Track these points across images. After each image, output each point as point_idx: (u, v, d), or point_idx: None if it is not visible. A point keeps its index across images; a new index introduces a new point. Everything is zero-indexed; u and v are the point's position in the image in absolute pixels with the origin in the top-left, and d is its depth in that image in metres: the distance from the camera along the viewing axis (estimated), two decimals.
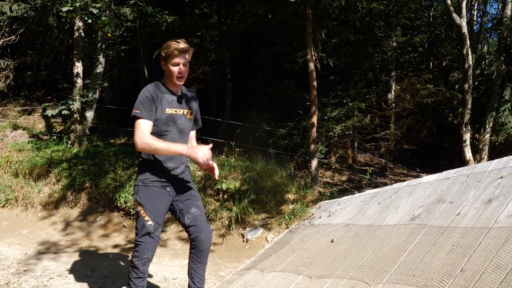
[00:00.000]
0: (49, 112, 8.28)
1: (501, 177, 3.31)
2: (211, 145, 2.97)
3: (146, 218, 3.04)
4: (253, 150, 8.49)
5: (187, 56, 3.02)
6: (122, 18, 9.08)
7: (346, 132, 9.87)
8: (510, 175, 3.27)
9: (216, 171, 3.09)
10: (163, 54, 3.02)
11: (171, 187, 3.16)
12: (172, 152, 2.95)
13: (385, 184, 9.03)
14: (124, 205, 6.46)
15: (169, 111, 3.07)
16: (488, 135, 10.38)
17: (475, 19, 15.88)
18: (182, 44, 2.97)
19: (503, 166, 3.46)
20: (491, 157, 10.09)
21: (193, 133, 3.42)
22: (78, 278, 4.37)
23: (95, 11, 7.55)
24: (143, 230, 3.05)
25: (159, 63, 13.25)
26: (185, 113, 3.18)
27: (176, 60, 2.97)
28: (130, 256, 3.15)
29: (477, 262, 2.62)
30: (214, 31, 11.20)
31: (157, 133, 3.03)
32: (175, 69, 2.99)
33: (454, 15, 9.92)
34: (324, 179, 9.77)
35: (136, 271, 3.09)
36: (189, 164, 3.53)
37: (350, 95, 10.20)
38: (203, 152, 2.89)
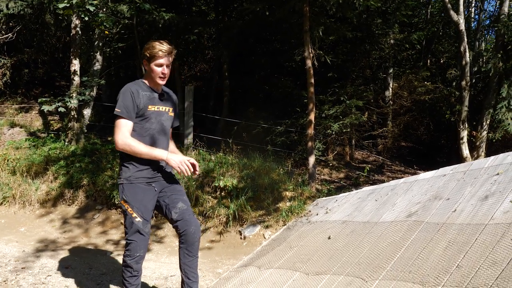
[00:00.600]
0: (45, 108, 8.25)
1: (497, 174, 3.33)
2: (194, 161, 3.07)
3: (134, 215, 3.05)
4: (251, 147, 8.50)
5: (170, 58, 3.09)
6: (119, 15, 9.06)
7: (344, 130, 9.87)
8: (506, 172, 3.28)
9: (190, 171, 3.10)
10: (147, 55, 3.07)
11: (156, 183, 3.17)
12: (153, 156, 3.01)
13: (383, 181, 9.04)
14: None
15: (151, 108, 3.12)
16: (485, 132, 10.39)
17: (472, 16, 15.89)
18: (166, 46, 3.04)
19: (500, 163, 3.48)
20: (488, 154, 10.11)
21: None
22: (76, 275, 4.38)
23: (91, 8, 7.53)
24: (132, 227, 3.07)
25: None
26: (166, 110, 3.25)
27: (160, 61, 3.04)
28: (122, 256, 3.15)
29: (473, 259, 2.63)
30: (211, 29, 11.19)
31: (140, 130, 3.09)
32: (158, 69, 3.06)
33: (452, 12, 9.91)
34: (322, 176, 9.78)
35: (130, 270, 3.10)
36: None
37: (347, 92, 10.20)
38: (182, 163, 2.99)
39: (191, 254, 3.22)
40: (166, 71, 3.10)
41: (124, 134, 2.99)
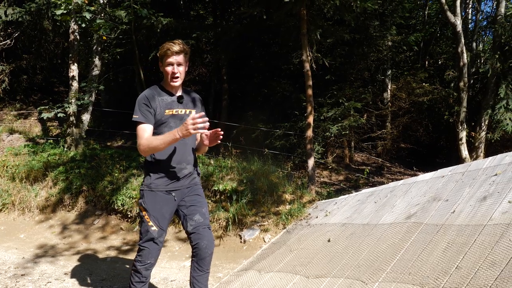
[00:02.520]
0: (45, 115, 8.27)
1: (496, 175, 3.33)
2: (202, 114, 2.73)
3: (150, 223, 3.01)
4: (250, 151, 8.51)
5: (182, 56, 2.98)
6: (117, 21, 9.08)
7: (343, 132, 9.88)
8: (504, 172, 3.29)
9: (214, 135, 3.01)
10: (158, 55, 3.02)
11: (177, 192, 3.10)
12: (168, 141, 2.82)
13: (382, 183, 9.04)
14: (122, 208, 6.45)
15: (169, 112, 3.02)
16: (484, 132, 10.41)
17: (469, 17, 15.92)
18: (176, 45, 2.93)
19: (498, 163, 3.48)
20: (487, 155, 10.12)
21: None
22: (76, 282, 4.37)
23: (88, 15, 7.56)
24: (147, 235, 3.03)
25: (155, 65, 13.27)
26: (187, 112, 3.12)
27: (169, 60, 2.94)
28: (133, 260, 3.13)
29: (472, 259, 2.63)
30: (209, 33, 11.19)
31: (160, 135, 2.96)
32: (168, 69, 2.96)
33: (449, 13, 9.95)
34: (321, 179, 9.78)
35: (138, 275, 3.08)
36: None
37: (346, 94, 10.22)
38: (190, 123, 2.68)
39: (201, 268, 3.13)
40: (177, 70, 2.97)
41: (142, 138, 2.91)
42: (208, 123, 2.71)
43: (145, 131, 2.94)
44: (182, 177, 3.11)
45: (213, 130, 3.03)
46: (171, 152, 3.03)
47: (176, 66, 2.97)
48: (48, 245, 5.85)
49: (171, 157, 3.04)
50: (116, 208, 6.50)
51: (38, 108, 8.54)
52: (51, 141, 9.23)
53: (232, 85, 12.05)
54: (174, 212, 3.17)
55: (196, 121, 2.66)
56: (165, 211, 3.06)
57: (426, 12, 15.53)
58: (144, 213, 3.04)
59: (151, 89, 3.07)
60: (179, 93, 3.13)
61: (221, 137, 3.04)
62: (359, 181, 9.56)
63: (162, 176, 3.04)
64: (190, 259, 3.21)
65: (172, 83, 3.02)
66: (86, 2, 7.79)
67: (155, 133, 2.98)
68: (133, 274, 3.10)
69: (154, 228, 3.02)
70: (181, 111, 3.09)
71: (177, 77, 3.00)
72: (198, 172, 3.32)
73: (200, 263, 3.12)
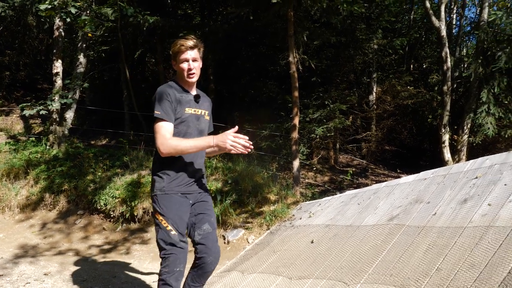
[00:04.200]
0: (27, 112, 8.16)
1: (476, 178, 3.38)
2: (236, 128, 2.71)
3: (169, 227, 2.75)
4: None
5: (196, 51, 2.86)
6: (103, 18, 9.01)
7: (328, 134, 9.93)
8: (484, 175, 3.34)
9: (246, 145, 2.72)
10: (171, 53, 2.89)
11: (191, 195, 2.92)
12: (200, 147, 2.72)
13: (366, 185, 9.12)
14: (104, 208, 6.40)
15: (189, 110, 2.88)
16: (466, 136, 10.54)
17: (454, 22, 16.14)
18: (190, 41, 2.82)
19: (478, 166, 3.54)
20: (469, 158, 10.25)
21: None
22: (56, 282, 4.32)
23: (73, 10, 7.47)
24: (168, 241, 2.75)
25: (141, 64, 13.16)
26: (203, 113, 3.00)
27: (184, 56, 2.81)
28: (158, 275, 2.80)
29: (452, 261, 2.67)
30: (197, 32, 11.14)
31: (176, 134, 2.81)
32: (184, 66, 2.82)
33: (433, 18, 10.07)
34: (306, 180, 9.82)
35: None
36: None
37: (331, 96, 10.28)
38: (231, 139, 2.62)
39: (200, 281, 2.95)
40: (193, 66, 2.84)
41: (165, 137, 2.70)
42: (250, 145, 2.64)
43: (167, 130, 2.73)
44: (195, 180, 2.95)
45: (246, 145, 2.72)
46: (188, 154, 2.85)
47: (192, 62, 2.84)
48: (28, 245, 5.77)
49: (185, 160, 2.87)
50: (99, 207, 6.45)
51: (20, 105, 8.42)
52: (33, 139, 9.12)
53: (219, 85, 12.03)
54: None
55: (238, 141, 2.62)
56: (182, 213, 2.84)
57: (411, 17, 15.69)
58: (160, 218, 2.79)
59: (170, 85, 2.89)
60: (195, 91, 3.00)
61: (249, 151, 2.76)
62: (343, 183, 9.62)
63: (176, 179, 2.85)
64: (191, 267, 2.98)
65: (189, 80, 2.87)
66: None
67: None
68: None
69: (173, 232, 2.76)
70: (198, 111, 2.95)
71: (193, 73, 2.87)
72: (205, 177, 3.17)
73: (200, 276, 2.93)
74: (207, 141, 2.69)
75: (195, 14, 14.12)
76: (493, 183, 3.16)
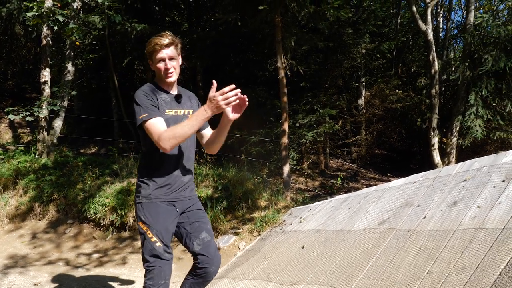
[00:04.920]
0: (12, 117, 8.06)
1: (465, 180, 3.39)
2: (215, 85, 2.48)
3: (154, 239, 2.63)
4: (225, 157, 8.48)
5: (172, 48, 2.67)
6: (91, 26, 8.97)
7: (318, 139, 9.95)
8: (473, 178, 3.35)
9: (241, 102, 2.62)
10: (146, 53, 2.72)
11: (178, 203, 2.76)
12: (198, 122, 2.49)
13: (357, 189, 9.13)
14: (94, 216, 6.33)
15: (169, 112, 2.71)
16: (455, 138, 10.62)
17: (441, 26, 16.32)
18: (165, 38, 2.64)
19: (467, 169, 3.55)
20: (458, 160, 10.32)
21: (207, 132, 3.01)
22: None
23: (61, 18, 7.43)
24: (152, 253, 2.64)
25: (129, 72, 13.13)
26: (186, 113, 2.80)
27: (160, 55, 2.64)
28: (143, 285, 2.70)
29: (442, 264, 2.67)
30: (185, 39, 11.15)
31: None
32: (160, 65, 2.65)
33: (420, 22, 10.16)
34: (297, 185, 9.81)
35: None
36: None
37: (321, 101, 10.32)
38: (221, 98, 2.42)
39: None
40: (170, 65, 2.66)
41: (160, 131, 2.51)
42: (240, 93, 2.40)
43: (157, 124, 2.55)
44: (182, 186, 2.78)
45: (237, 95, 2.52)
46: (170, 159, 2.71)
47: (168, 60, 2.66)
48: (18, 255, 5.68)
49: (170, 165, 2.72)
50: (89, 216, 6.38)
51: (6, 109, 8.32)
52: (22, 148, 9.02)
53: (208, 91, 11.96)
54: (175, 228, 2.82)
55: (227, 95, 2.38)
56: (168, 223, 2.69)
57: (398, 21, 15.84)
58: (145, 228, 2.65)
59: (148, 86, 2.73)
60: (176, 91, 2.83)
61: (246, 101, 2.63)
62: (334, 187, 9.63)
63: (162, 185, 2.69)
64: (189, 272, 2.90)
65: (167, 80, 2.69)
66: (59, 5, 7.67)
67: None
68: None
69: (158, 244, 2.63)
70: (180, 111, 2.77)
71: (171, 72, 2.68)
72: (194, 184, 3.00)
73: (201, 284, 2.86)
74: (201, 114, 2.48)
75: (183, 21, 14.14)
76: (482, 185, 3.17)
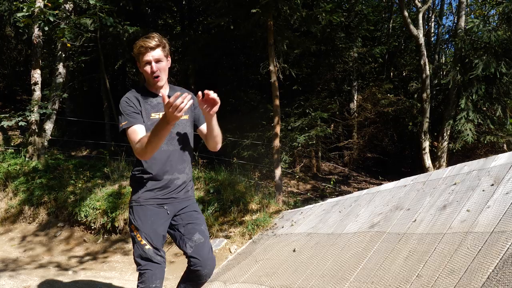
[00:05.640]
0: (5, 123, 8.02)
1: (455, 184, 3.41)
2: (162, 96, 2.25)
3: (143, 242, 2.62)
4: (217, 160, 8.47)
5: (159, 50, 2.60)
6: (83, 29, 8.93)
7: (310, 142, 9.98)
8: (463, 182, 3.37)
9: (212, 95, 2.47)
10: (133, 55, 2.66)
11: (169, 205, 2.71)
12: (161, 132, 2.33)
13: (349, 192, 9.16)
14: (85, 219, 6.30)
15: (155, 116, 2.63)
16: (446, 142, 10.70)
17: (432, 30, 16.44)
18: (151, 40, 2.57)
19: (457, 173, 3.57)
20: (450, 164, 10.38)
21: (203, 128, 2.87)
22: None
23: (52, 18, 7.39)
24: (143, 256, 2.63)
25: (121, 74, 13.11)
26: None
27: (146, 58, 2.57)
28: None
29: (432, 268, 2.68)
30: (177, 42, 11.16)
31: None
32: (147, 68, 2.59)
33: (411, 27, 10.23)
34: (289, 188, 9.82)
35: None
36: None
37: (313, 105, 10.35)
38: (171, 110, 2.17)
39: None
40: (157, 67, 2.59)
41: (135, 142, 2.48)
42: (190, 99, 2.19)
43: (136, 132, 2.52)
44: (174, 189, 2.72)
45: (203, 95, 2.47)
46: (160, 161, 2.65)
47: (155, 63, 2.59)
48: (8, 259, 5.64)
49: (160, 167, 2.66)
50: (80, 219, 6.35)
51: None
52: (12, 150, 8.95)
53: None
54: (167, 230, 2.78)
55: (175, 104, 2.15)
56: (157, 226, 2.65)
57: (390, 25, 15.93)
58: (135, 232, 2.65)
59: (132, 92, 2.69)
60: (166, 92, 2.72)
61: (215, 98, 2.48)
62: (326, 191, 9.65)
63: (151, 188, 2.66)
64: (184, 275, 2.88)
65: (155, 82, 2.64)
66: (49, 5, 7.62)
67: None
68: None
69: (148, 246, 2.62)
70: None
71: (159, 76, 2.62)
72: (192, 184, 2.93)
73: (194, 286, 2.84)
74: (161, 122, 2.30)
75: (175, 24, 14.13)
76: (472, 189, 3.19)
